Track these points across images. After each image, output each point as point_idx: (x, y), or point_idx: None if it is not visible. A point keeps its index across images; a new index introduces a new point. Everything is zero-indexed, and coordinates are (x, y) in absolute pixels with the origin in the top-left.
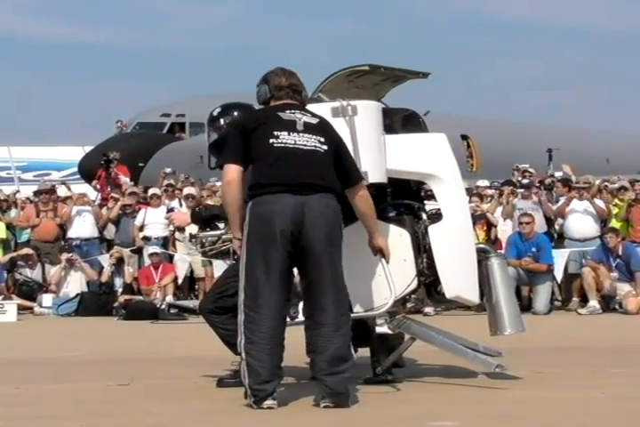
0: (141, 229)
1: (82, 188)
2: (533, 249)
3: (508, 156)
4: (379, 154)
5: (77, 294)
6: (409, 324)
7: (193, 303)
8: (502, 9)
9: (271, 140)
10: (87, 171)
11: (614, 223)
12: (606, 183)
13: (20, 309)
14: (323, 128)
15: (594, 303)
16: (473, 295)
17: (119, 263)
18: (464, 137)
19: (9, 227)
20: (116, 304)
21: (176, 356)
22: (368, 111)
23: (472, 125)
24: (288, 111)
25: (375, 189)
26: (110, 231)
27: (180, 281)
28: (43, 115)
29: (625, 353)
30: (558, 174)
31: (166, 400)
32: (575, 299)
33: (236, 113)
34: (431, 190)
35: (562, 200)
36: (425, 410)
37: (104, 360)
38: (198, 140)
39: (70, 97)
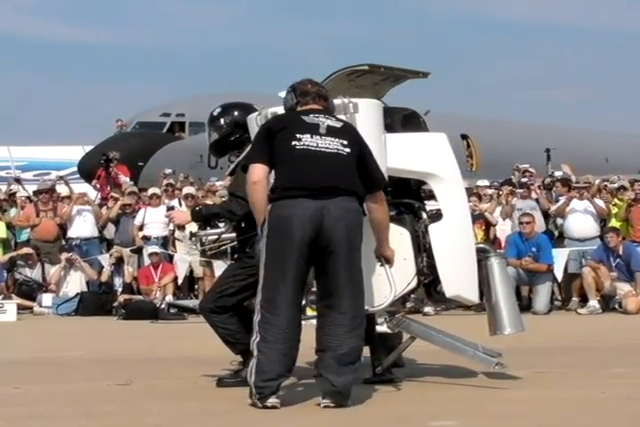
0: (141, 228)
1: (82, 187)
2: (533, 249)
3: (508, 155)
4: (379, 152)
5: (77, 294)
6: (408, 323)
7: (193, 303)
8: (502, 9)
9: (293, 143)
10: (87, 170)
11: (614, 223)
12: (606, 183)
13: (20, 308)
14: (346, 131)
15: (594, 303)
16: (473, 295)
17: (119, 263)
18: (464, 137)
19: (9, 226)
20: (115, 304)
21: (176, 356)
22: (369, 109)
23: (472, 125)
24: (312, 115)
25: None
26: (110, 231)
27: (179, 281)
28: (43, 115)
29: (625, 353)
30: (558, 174)
31: (166, 400)
32: (575, 299)
33: (236, 113)
34: (431, 191)
35: (562, 200)
36: (425, 410)
37: (104, 360)
38: (198, 139)
39: (70, 97)
